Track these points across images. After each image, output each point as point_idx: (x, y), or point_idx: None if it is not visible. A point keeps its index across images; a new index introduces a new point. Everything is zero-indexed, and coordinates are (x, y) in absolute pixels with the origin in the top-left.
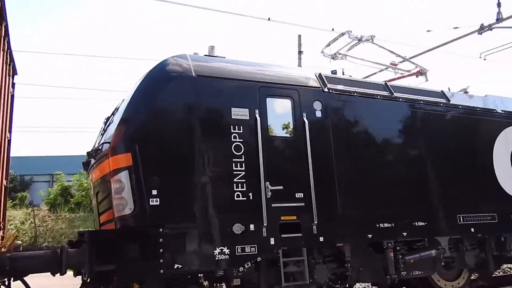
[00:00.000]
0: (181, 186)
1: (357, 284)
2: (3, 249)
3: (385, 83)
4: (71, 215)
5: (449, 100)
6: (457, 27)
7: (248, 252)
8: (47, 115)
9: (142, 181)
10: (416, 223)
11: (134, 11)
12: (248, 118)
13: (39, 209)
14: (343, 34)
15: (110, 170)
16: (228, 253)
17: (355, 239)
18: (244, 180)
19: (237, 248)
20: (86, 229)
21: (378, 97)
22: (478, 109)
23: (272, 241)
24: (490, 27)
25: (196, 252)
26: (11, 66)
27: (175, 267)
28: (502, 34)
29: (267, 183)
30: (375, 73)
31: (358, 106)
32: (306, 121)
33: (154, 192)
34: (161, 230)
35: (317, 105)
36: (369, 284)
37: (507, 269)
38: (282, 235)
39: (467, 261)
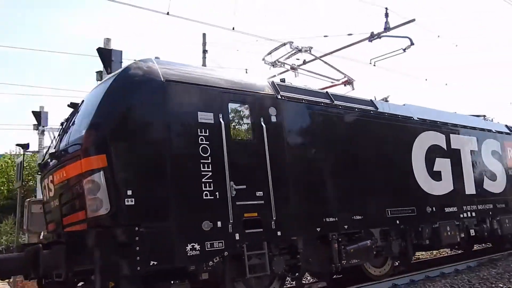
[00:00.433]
0: (154, 187)
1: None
2: None
3: (327, 92)
4: None
5: (377, 108)
6: (350, 34)
7: (216, 247)
8: None
9: (117, 182)
10: (354, 217)
11: None
12: (213, 122)
13: None
14: (284, 44)
15: (82, 171)
16: (199, 249)
17: (306, 232)
18: (211, 180)
19: (207, 244)
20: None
21: (322, 104)
22: (399, 116)
23: (237, 237)
24: (379, 36)
25: (170, 249)
26: None
27: (151, 264)
28: (389, 42)
29: (232, 182)
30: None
31: (306, 112)
32: (264, 126)
33: (129, 192)
34: (136, 229)
35: (272, 111)
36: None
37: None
38: (246, 231)
39: (393, 250)
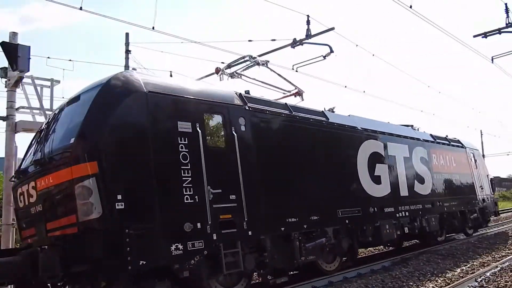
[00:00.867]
0: (141, 191)
1: None
2: None
3: (286, 104)
4: None
5: (328, 119)
6: (274, 39)
7: (197, 247)
8: None
9: (108, 187)
10: (312, 217)
11: None
12: (191, 131)
13: None
14: (244, 57)
15: (72, 177)
16: (182, 248)
17: (272, 232)
18: (191, 185)
19: (188, 244)
20: None
21: (283, 115)
22: (346, 126)
23: (215, 237)
24: (301, 42)
25: (157, 249)
26: None
27: (140, 263)
28: (310, 49)
29: (209, 187)
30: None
31: (270, 122)
32: (235, 134)
33: (119, 197)
34: (127, 231)
35: (242, 121)
36: None
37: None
38: (222, 231)
39: (343, 246)
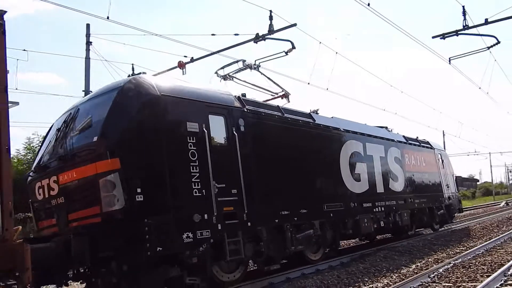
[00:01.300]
0: (157, 185)
1: None
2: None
3: (278, 106)
4: None
5: (314, 120)
6: (237, 34)
7: (204, 236)
8: None
9: (129, 181)
10: (302, 210)
11: None
12: (198, 131)
13: None
14: (237, 61)
15: (97, 172)
16: (192, 237)
17: (268, 223)
18: (199, 180)
19: (197, 233)
20: None
21: (276, 116)
22: (330, 127)
23: (219, 227)
24: (263, 37)
25: (171, 238)
26: None
27: (157, 250)
28: (274, 44)
29: (214, 182)
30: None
31: (265, 123)
32: (236, 134)
33: (139, 190)
34: (146, 220)
35: (241, 122)
36: None
37: None
38: (226, 222)
39: (328, 238)
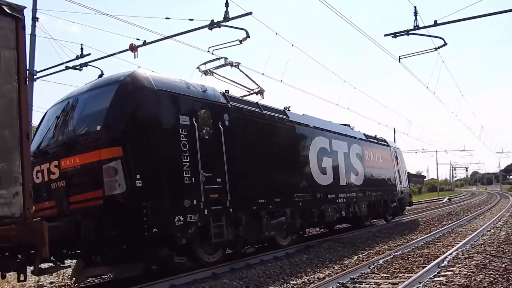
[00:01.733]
0: (154, 172)
1: None
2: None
3: (257, 103)
4: None
5: (288, 117)
6: (192, 19)
7: (193, 219)
8: None
9: (130, 168)
10: (276, 199)
11: None
12: (189, 124)
13: None
14: (219, 58)
15: (100, 159)
16: (183, 220)
17: (247, 210)
18: (189, 169)
19: (187, 217)
20: None
21: (256, 112)
22: (302, 124)
23: (206, 212)
24: (218, 24)
25: (166, 220)
26: None
27: (154, 231)
28: (229, 32)
29: (202, 171)
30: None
31: (247, 119)
32: (221, 128)
33: (138, 176)
34: (144, 204)
35: (226, 117)
36: None
37: None
38: (211, 207)
39: (297, 225)
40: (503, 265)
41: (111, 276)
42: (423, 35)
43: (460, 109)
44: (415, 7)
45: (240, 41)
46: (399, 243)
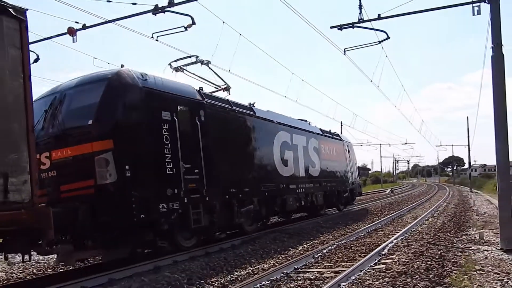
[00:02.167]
0: (141, 163)
1: None
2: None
3: (228, 100)
4: None
5: (255, 113)
6: (135, 3)
7: (175, 207)
8: None
9: (120, 159)
10: (245, 189)
11: None
12: (170, 119)
13: None
14: (190, 56)
15: (92, 151)
16: (166, 207)
17: (220, 198)
18: (170, 160)
19: (170, 204)
20: None
21: (227, 108)
22: (267, 119)
23: (186, 200)
24: (163, 10)
25: (151, 207)
26: None
27: (141, 217)
28: (175, 18)
29: (182, 162)
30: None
31: (219, 115)
32: (198, 123)
33: (127, 167)
34: (133, 192)
35: (202, 113)
36: None
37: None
38: (191, 196)
39: (262, 213)
40: (439, 252)
41: (100, 259)
42: (367, 28)
43: (402, 103)
44: (360, 0)
45: (186, 28)
46: (343, 233)
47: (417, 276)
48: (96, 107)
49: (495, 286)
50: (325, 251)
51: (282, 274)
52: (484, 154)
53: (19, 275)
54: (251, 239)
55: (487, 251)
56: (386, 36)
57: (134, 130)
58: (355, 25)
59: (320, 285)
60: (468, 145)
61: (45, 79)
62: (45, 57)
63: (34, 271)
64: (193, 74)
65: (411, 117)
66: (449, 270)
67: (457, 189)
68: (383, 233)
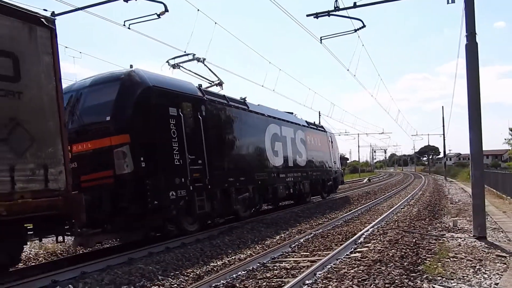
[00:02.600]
0: (153, 155)
1: None
2: None
3: (224, 95)
4: None
5: (248, 107)
6: None
7: (182, 194)
8: None
9: (136, 152)
10: (241, 178)
11: None
12: (176, 115)
13: None
14: (187, 54)
15: (111, 144)
16: (175, 195)
17: (220, 187)
18: (178, 152)
19: (178, 192)
20: None
21: (224, 103)
22: (259, 113)
23: (191, 188)
24: None
25: (162, 195)
26: None
27: (155, 203)
28: (147, 5)
29: (187, 154)
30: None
31: (217, 109)
32: (200, 118)
33: (142, 159)
34: (147, 181)
35: (203, 108)
36: None
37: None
38: (195, 184)
39: (255, 200)
40: (414, 240)
41: (117, 241)
42: (343, 17)
43: (379, 93)
44: None
45: (158, 15)
46: (321, 222)
47: (392, 264)
48: (112, 104)
49: (467, 272)
50: (302, 240)
51: (258, 264)
52: (459, 143)
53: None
54: (228, 229)
55: (461, 238)
56: (362, 25)
57: (146, 125)
58: (331, 13)
59: (296, 274)
60: (443, 134)
61: None
62: None
63: None
64: (189, 70)
65: (388, 107)
66: (424, 257)
67: (433, 178)
68: (359, 221)
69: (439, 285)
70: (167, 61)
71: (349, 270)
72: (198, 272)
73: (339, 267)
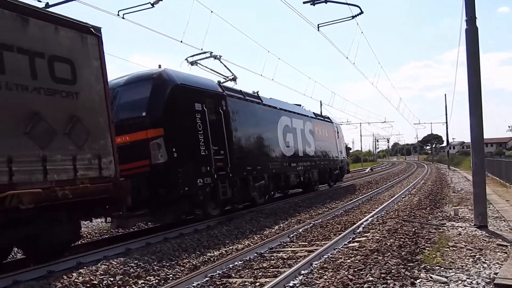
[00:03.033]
0: (183, 147)
1: None
2: None
3: (241, 90)
4: None
5: (262, 101)
6: None
7: (208, 182)
8: None
9: (169, 143)
10: (258, 167)
11: None
12: (201, 109)
13: None
14: (205, 52)
15: (147, 137)
16: (202, 182)
17: (240, 175)
18: (203, 144)
19: (204, 179)
20: None
21: (241, 98)
22: (271, 106)
23: (215, 176)
24: None
25: (192, 182)
26: None
27: (185, 189)
28: None
29: (211, 145)
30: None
31: (236, 104)
32: (221, 112)
33: (174, 149)
34: (179, 170)
35: (223, 103)
36: None
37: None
38: (219, 173)
39: (270, 188)
40: (413, 229)
41: (151, 223)
42: (339, 3)
43: (379, 81)
44: None
45: (152, 5)
46: (320, 211)
47: (389, 253)
48: (146, 101)
49: (467, 262)
50: (301, 230)
51: (256, 254)
52: (463, 131)
53: None
54: (226, 220)
55: (461, 227)
56: (360, 11)
57: (177, 119)
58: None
59: (292, 264)
60: (446, 122)
61: None
62: None
63: None
64: (206, 67)
65: (389, 96)
66: (422, 247)
67: (436, 167)
68: (360, 211)
69: (436, 275)
70: (186, 59)
71: (346, 259)
72: (194, 263)
73: (336, 257)
